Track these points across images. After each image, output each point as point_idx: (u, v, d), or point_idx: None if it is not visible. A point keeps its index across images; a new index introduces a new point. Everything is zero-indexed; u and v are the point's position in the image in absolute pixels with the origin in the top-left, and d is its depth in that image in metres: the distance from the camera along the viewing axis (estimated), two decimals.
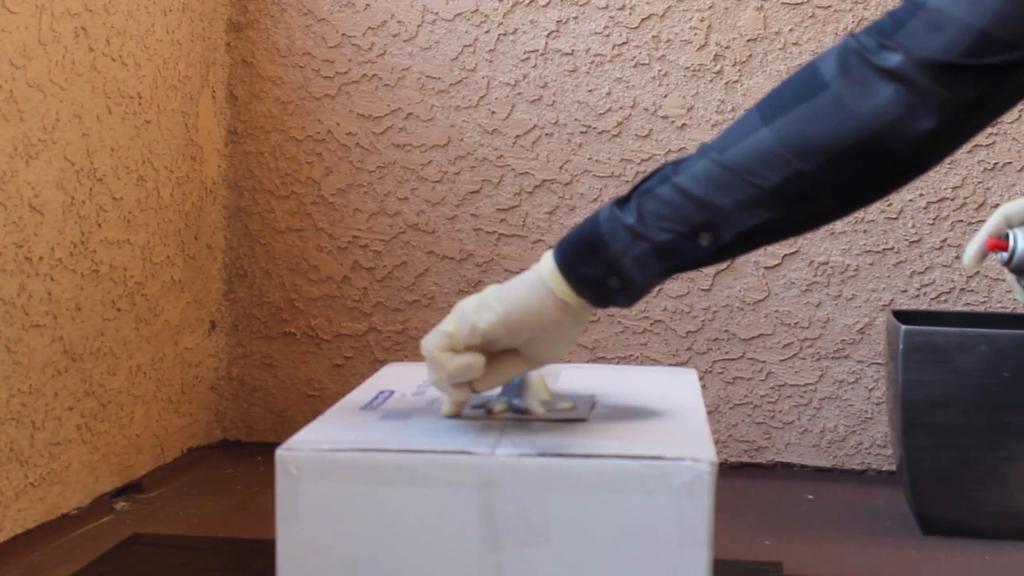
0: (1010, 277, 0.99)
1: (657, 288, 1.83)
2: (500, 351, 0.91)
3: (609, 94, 1.80)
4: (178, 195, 1.74)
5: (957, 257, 1.75)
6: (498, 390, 1.05)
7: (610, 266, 0.84)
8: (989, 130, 1.72)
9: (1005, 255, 0.97)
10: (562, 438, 0.91)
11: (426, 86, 1.84)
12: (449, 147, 1.84)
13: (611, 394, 1.08)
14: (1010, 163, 1.74)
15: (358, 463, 0.88)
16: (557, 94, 1.81)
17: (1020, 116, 1.73)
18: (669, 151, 1.79)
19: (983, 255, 0.99)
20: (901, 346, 1.48)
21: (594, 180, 1.81)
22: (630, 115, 1.80)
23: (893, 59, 0.76)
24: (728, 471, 1.81)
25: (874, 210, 1.76)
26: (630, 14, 1.79)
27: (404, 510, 0.87)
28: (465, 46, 1.83)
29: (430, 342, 0.90)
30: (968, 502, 1.50)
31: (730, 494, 1.61)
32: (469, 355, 0.89)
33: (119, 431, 1.59)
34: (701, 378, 1.79)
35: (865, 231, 1.76)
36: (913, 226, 1.76)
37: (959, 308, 1.75)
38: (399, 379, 1.16)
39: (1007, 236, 0.97)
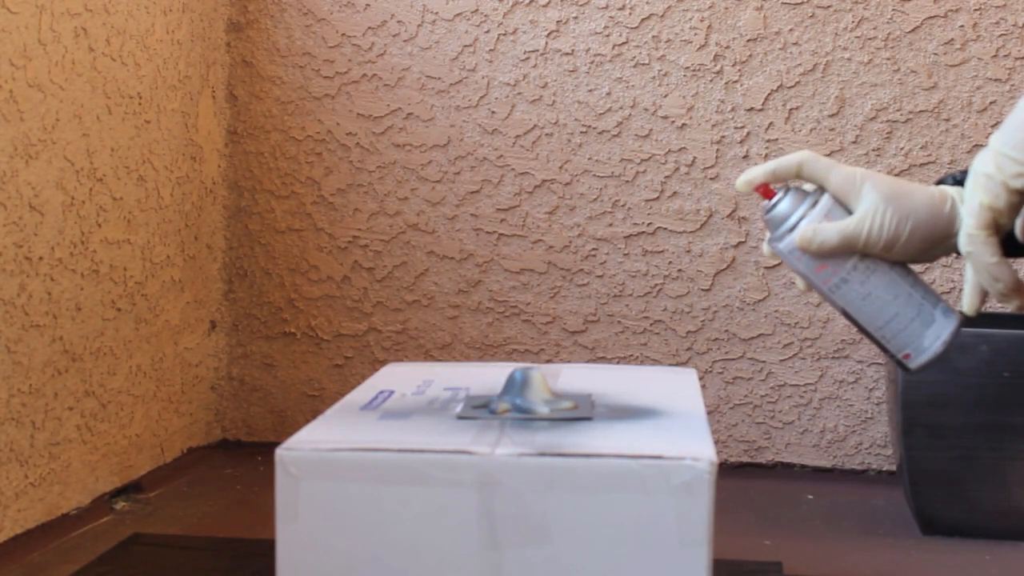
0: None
1: (657, 288, 1.83)
2: None
3: (609, 94, 1.80)
4: (178, 195, 1.74)
5: (957, 256, 1.75)
6: (498, 389, 1.05)
7: None
8: (988, 129, 1.72)
9: (766, 204, 0.93)
10: (562, 437, 0.91)
11: (426, 86, 1.84)
12: (449, 147, 1.84)
13: (611, 394, 1.08)
14: None
15: (358, 463, 0.88)
16: (557, 94, 1.81)
17: None
18: (669, 151, 1.79)
19: (755, 187, 0.94)
20: None
21: (594, 180, 1.81)
22: (630, 115, 1.80)
23: None
24: (728, 471, 1.81)
25: None
26: (630, 14, 1.79)
27: (404, 510, 0.87)
28: (465, 46, 1.83)
29: (970, 225, 0.86)
30: (968, 502, 1.50)
31: (730, 494, 1.61)
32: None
33: (119, 431, 1.59)
34: (701, 378, 1.79)
35: None
36: None
37: (959, 308, 1.75)
38: (399, 379, 1.16)
39: (779, 189, 0.93)
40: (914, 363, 0.93)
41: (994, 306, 1.76)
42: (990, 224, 0.87)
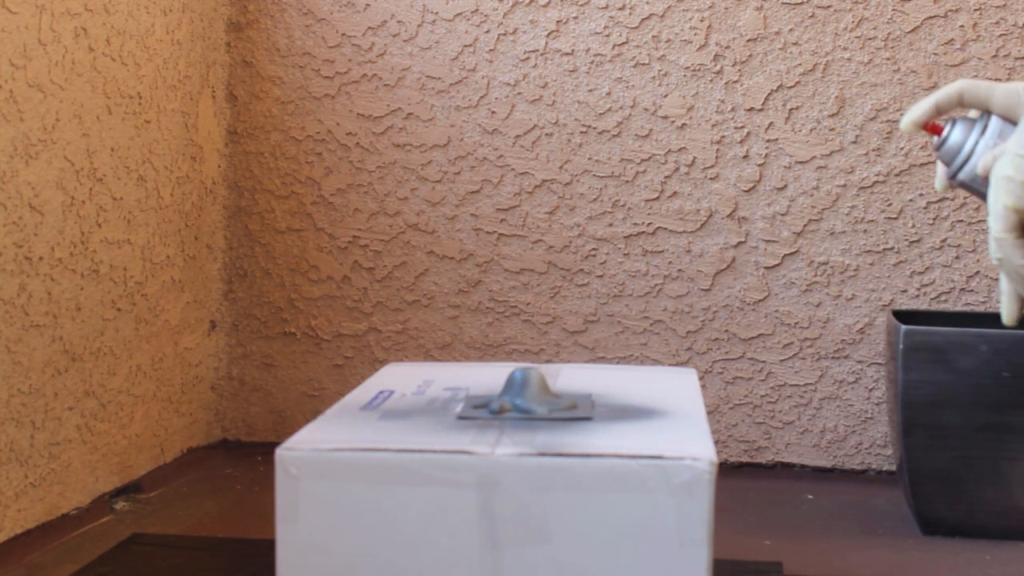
0: (939, 164, 0.96)
1: (657, 288, 1.83)
2: None
3: (609, 94, 1.80)
4: (178, 195, 1.74)
5: (957, 257, 1.75)
6: (498, 389, 1.05)
7: None
8: None
9: (937, 140, 0.94)
10: (562, 437, 0.91)
11: (426, 86, 1.84)
12: (449, 147, 1.84)
13: (611, 394, 1.08)
14: None
15: (358, 463, 0.88)
16: (557, 94, 1.81)
17: None
18: (669, 151, 1.79)
19: (921, 126, 0.95)
20: (901, 346, 1.48)
21: (594, 180, 1.81)
22: (630, 115, 1.80)
23: None
24: (728, 471, 1.81)
25: (874, 210, 1.76)
26: (630, 14, 1.79)
27: (404, 510, 0.87)
28: (465, 46, 1.83)
29: (997, 229, 0.86)
30: (968, 502, 1.50)
31: (730, 494, 1.61)
32: None
33: (119, 431, 1.59)
34: (701, 378, 1.79)
35: (865, 231, 1.76)
36: (913, 226, 1.76)
37: (959, 308, 1.75)
38: (399, 379, 1.16)
39: (946, 123, 0.94)
40: None
41: (993, 306, 1.76)
42: (1017, 226, 0.87)
